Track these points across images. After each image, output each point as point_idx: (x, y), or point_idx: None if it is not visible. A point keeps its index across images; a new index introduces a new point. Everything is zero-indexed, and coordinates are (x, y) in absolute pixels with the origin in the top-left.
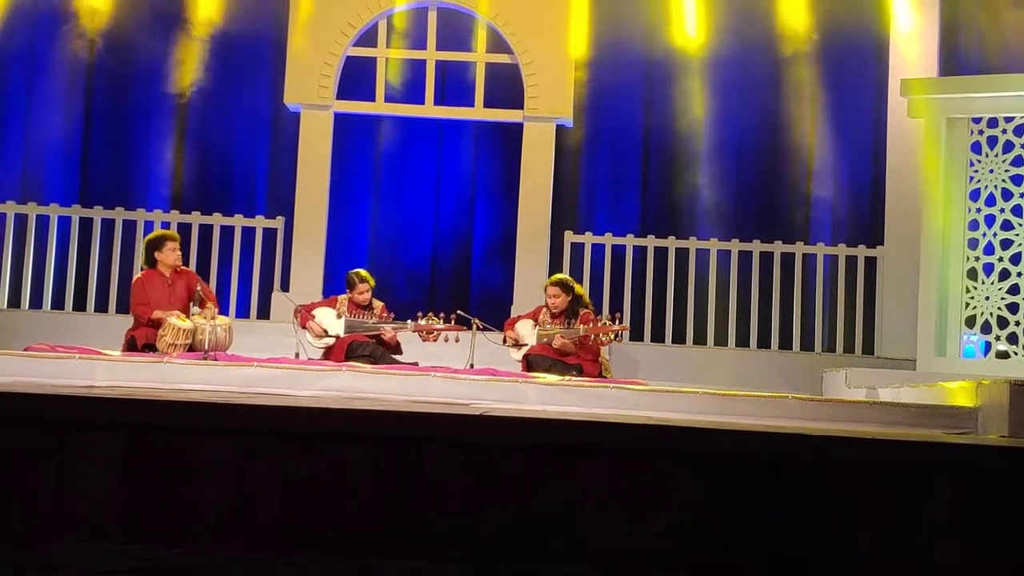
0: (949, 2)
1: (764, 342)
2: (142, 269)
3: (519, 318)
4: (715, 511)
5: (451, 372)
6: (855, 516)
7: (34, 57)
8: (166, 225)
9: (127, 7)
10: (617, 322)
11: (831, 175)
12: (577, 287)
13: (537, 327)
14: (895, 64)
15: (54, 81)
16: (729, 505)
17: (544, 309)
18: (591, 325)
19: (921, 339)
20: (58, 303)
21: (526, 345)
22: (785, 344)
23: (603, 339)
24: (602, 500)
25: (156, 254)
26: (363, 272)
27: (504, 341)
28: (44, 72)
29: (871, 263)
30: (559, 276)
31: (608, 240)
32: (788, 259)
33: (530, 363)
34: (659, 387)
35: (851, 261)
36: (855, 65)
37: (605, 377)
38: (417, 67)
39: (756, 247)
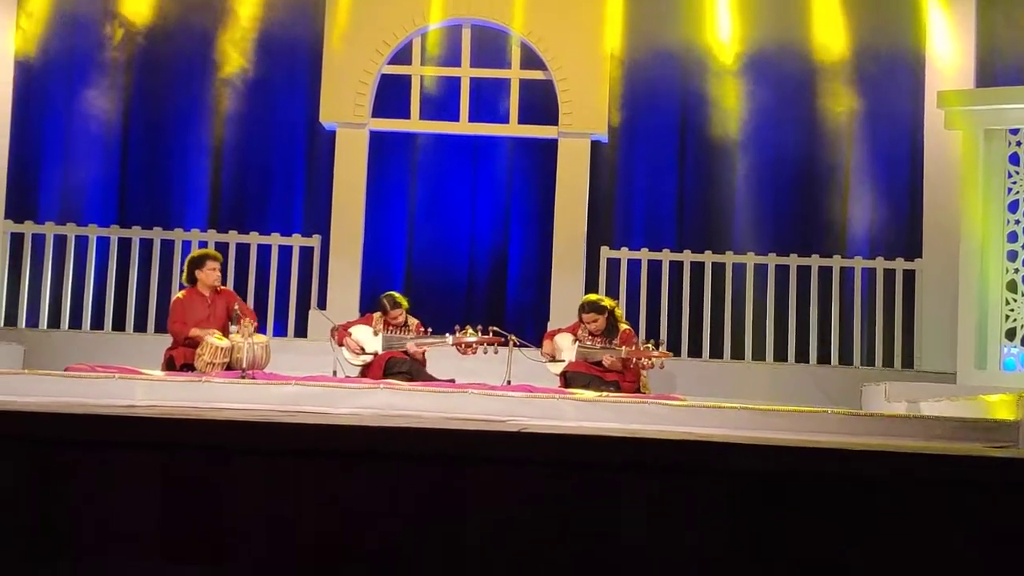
0: (985, 14)
1: (802, 356)
2: (182, 288)
3: (559, 331)
4: (755, 528)
5: (488, 389)
6: (897, 532)
7: (72, 79)
8: (204, 244)
9: (164, 30)
10: (661, 348)
11: (868, 188)
12: (606, 302)
13: (577, 343)
14: (931, 76)
15: (92, 103)
16: (769, 521)
17: (581, 326)
18: (634, 347)
19: (961, 352)
20: (97, 323)
21: (563, 361)
22: (823, 358)
23: (645, 363)
24: (640, 517)
25: (197, 272)
26: (396, 295)
27: (542, 354)
28: (81, 94)
29: (909, 276)
30: (590, 299)
31: (644, 255)
32: (825, 272)
33: (568, 379)
34: (697, 403)
35: (889, 274)
36: (891, 77)
37: (642, 393)
38: (452, 84)
39: (793, 261)
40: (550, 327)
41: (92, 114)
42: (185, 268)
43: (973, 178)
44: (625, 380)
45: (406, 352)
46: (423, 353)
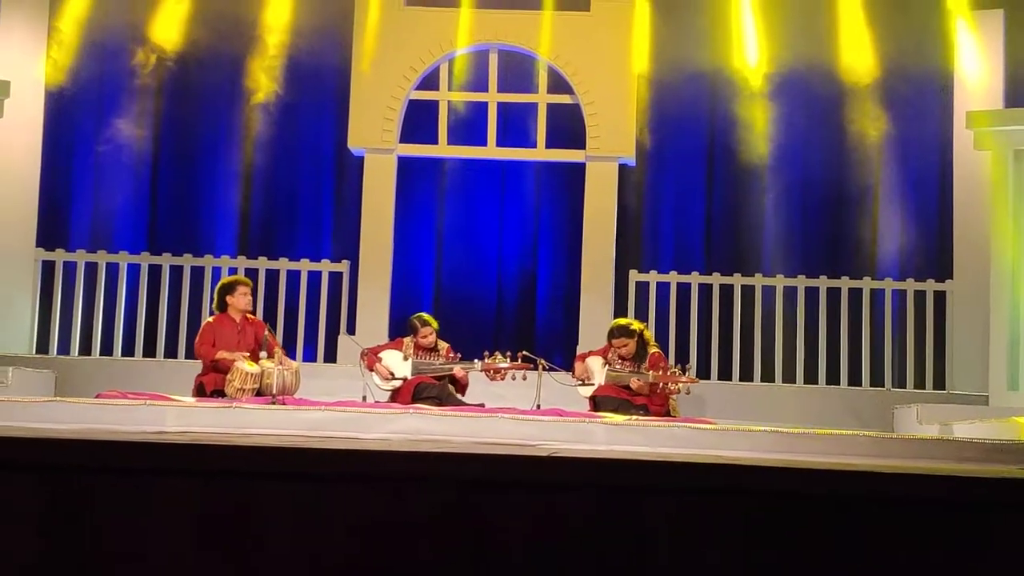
0: (1013, 34)
1: (833, 379)
2: (212, 314)
3: (590, 353)
4: (786, 551)
5: (518, 413)
6: (929, 555)
7: (102, 107)
8: (233, 271)
9: (194, 57)
10: (689, 373)
11: (898, 209)
12: (635, 325)
13: (607, 366)
14: (960, 97)
15: (121, 130)
16: (801, 545)
17: (612, 350)
18: (661, 372)
19: (993, 374)
20: (128, 350)
21: (593, 384)
22: (854, 380)
23: (672, 387)
24: (671, 540)
25: (228, 298)
26: (425, 315)
27: (573, 375)
28: (111, 122)
29: (940, 297)
30: (621, 324)
31: (673, 278)
32: (856, 294)
33: (597, 403)
34: (727, 426)
35: (920, 296)
36: (920, 98)
37: (672, 416)
38: (479, 109)
39: (823, 283)
40: (579, 351)
41: (122, 142)
42: (216, 295)
43: (1003, 198)
44: (653, 404)
45: (440, 377)
46: (467, 376)
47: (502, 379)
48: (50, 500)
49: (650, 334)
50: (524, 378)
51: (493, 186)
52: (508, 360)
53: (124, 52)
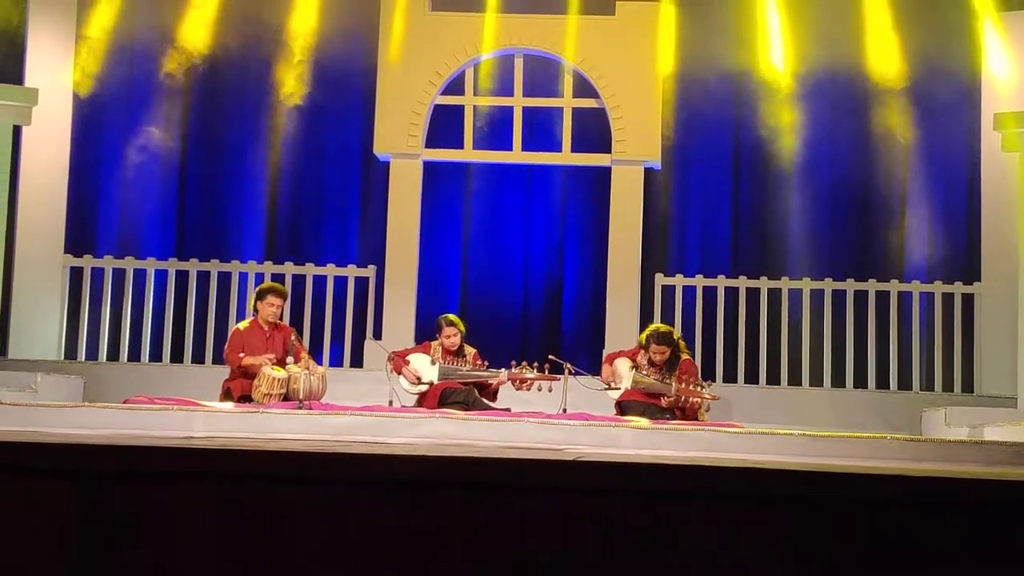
0: None
1: (861, 382)
2: (242, 319)
3: (618, 354)
4: (814, 555)
5: (544, 417)
6: (959, 558)
7: (130, 112)
8: (261, 276)
9: (221, 63)
10: (710, 390)
11: (925, 211)
12: (676, 337)
13: (634, 370)
14: (988, 98)
15: (149, 137)
16: (829, 550)
17: (642, 352)
18: (685, 385)
19: (1022, 376)
20: (156, 355)
21: (620, 388)
22: (882, 383)
23: (694, 401)
24: (698, 544)
25: (258, 303)
26: (452, 316)
27: (601, 379)
28: (139, 127)
29: (968, 300)
30: (663, 330)
31: (699, 282)
32: (883, 297)
33: (623, 408)
34: (754, 429)
35: (948, 298)
36: (947, 99)
37: (699, 420)
38: (505, 114)
39: (850, 286)
40: (606, 353)
41: (149, 148)
42: (253, 297)
43: None
44: (679, 409)
45: (467, 382)
46: (498, 385)
47: (528, 389)
48: (78, 505)
49: (684, 345)
50: (550, 390)
51: (519, 191)
52: (535, 371)
53: (151, 58)
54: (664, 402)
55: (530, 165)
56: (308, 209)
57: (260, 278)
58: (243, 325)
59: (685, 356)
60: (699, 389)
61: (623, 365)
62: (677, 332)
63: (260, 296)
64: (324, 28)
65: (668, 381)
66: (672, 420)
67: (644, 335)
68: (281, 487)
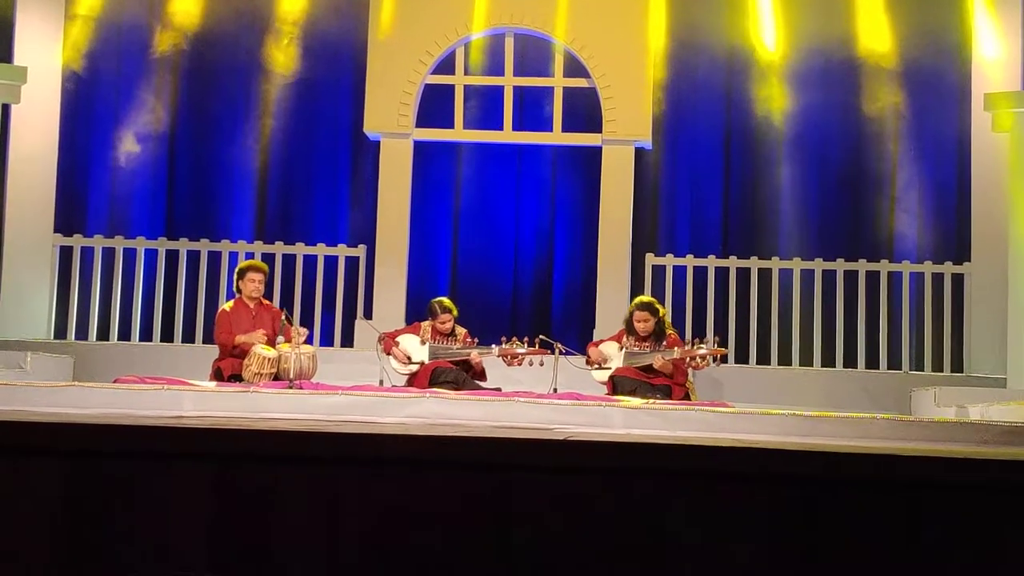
0: None
1: (851, 362)
2: (230, 297)
3: (603, 341)
4: (803, 533)
5: (535, 397)
6: (949, 537)
7: (119, 91)
8: (250, 255)
9: (211, 41)
10: (715, 343)
11: (915, 191)
12: (661, 309)
13: (623, 350)
14: (978, 78)
15: (138, 116)
16: (819, 527)
17: (627, 336)
18: (684, 348)
19: (1011, 356)
20: (146, 335)
21: (609, 368)
22: (872, 363)
23: (699, 362)
24: (688, 523)
25: (239, 282)
26: (446, 301)
27: (588, 362)
28: (128, 107)
29: (958, 280)
30: (645, 299)
31: (690, 262)
32: (873, 277)
33: (616, 384)
34: (745, 409)
35: (938, 278)
36: (938, 80)
37: (690, 399)
38: (495, 93)
39: (840, 266)
40: (596, 335)
41: (139, 126)
42: (235, 277)
43: (1022, 180)
44: (674, 384)
45: (458, 362)
46: (481, 363)
47: (519, 365)
48: (68, 484)
49: (669, 320)
50: (541, 364)
51: (509, 170)
52: (525, 346)
53: (140, 36)
54: (657, 362)
55: (521, 145)
56: (298, 188)
57: (250, 257)
58: (228, 306)
59: (671, 332)
60: (694, 349)
61: (610, 347)
62: (664, 309)
63: (240, 275)
64: (314, 6)
65: (666, 349)
66: (664, 398)
67: (627, 313)
68: (272, 466)
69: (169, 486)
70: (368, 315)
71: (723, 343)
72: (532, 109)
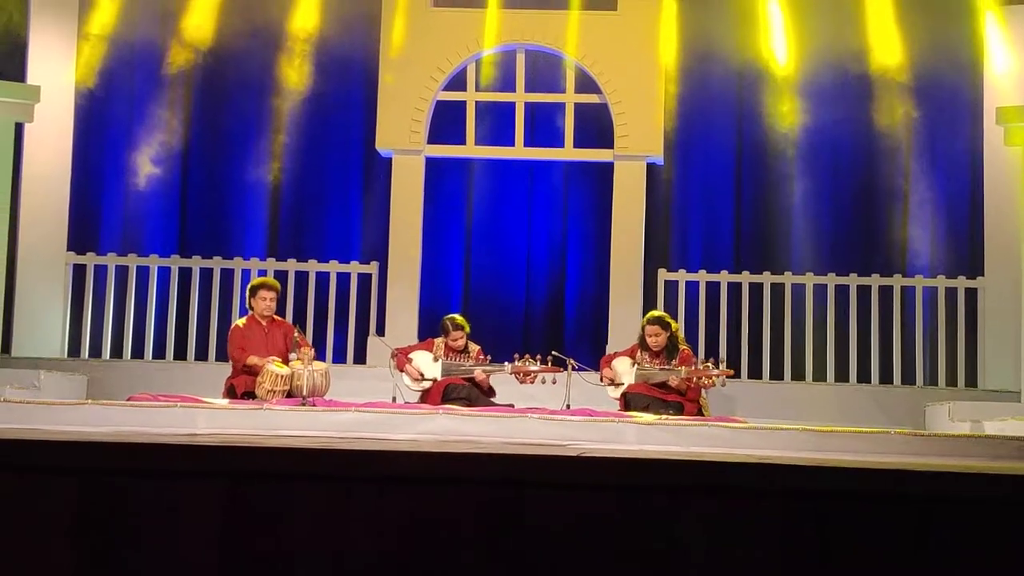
0: None
1: (864, 377)
2: (243, 314)
3: (616, 355)
4: (817, 550)
5: (548, 413)
6: (962, 553)
7: (132, 109)
8: (263, 273)
9: (224, 59)
10: (721, 366)
11: (928, 206)
12: (673, 324)
13: (635, 365)
14: (990, 92)
15: (151, 134)
16: (832, 543)
17: (640, 351)
18: (693, 367)
19: None
20: (159, 352)
21: (622, 384)
22: (886, 378)
23: (706, 382)
24: (701, 539)
25: (251, 300)
26: (458, 318)
27: (601, 379)
28: (140, 125)
29: (971, 294)
30: (656, 314)
31: (702, 277)
32: (886, 292)
33: (628, 401)
34: (758, 424)
35: (951, 293)
36: (950, 94)
37: (703, 415)
38: (507, 109)
39: (853, 280)
40: (608, 350)
41: (151, 143)
42: (248, 295)
43: None
44: (687, 400)
45: (470, 379)
46: (487, 380)
47: (531, 382)
48: (82, 503)
49: (682, 335)
50: (554, 382)
51: (521, 186)
52: (538, 363)
53: (153, 54)
54: (672, 381)
55: (532, 161)
56: (311, 205)
57: (263, 274)
58: (241, 322)
59: (684, 348)
60: (707, 369)
61: (622, 363)
62: (676, 324)
63: (252, 292)
64: (326, 23)
65: (675, 368)
66: (677, 414)
67: (640, 329)
68: (285, 483)
69: (182, 504)
70: (381, 332)
71: (732, 363)
72: (544, 125)
